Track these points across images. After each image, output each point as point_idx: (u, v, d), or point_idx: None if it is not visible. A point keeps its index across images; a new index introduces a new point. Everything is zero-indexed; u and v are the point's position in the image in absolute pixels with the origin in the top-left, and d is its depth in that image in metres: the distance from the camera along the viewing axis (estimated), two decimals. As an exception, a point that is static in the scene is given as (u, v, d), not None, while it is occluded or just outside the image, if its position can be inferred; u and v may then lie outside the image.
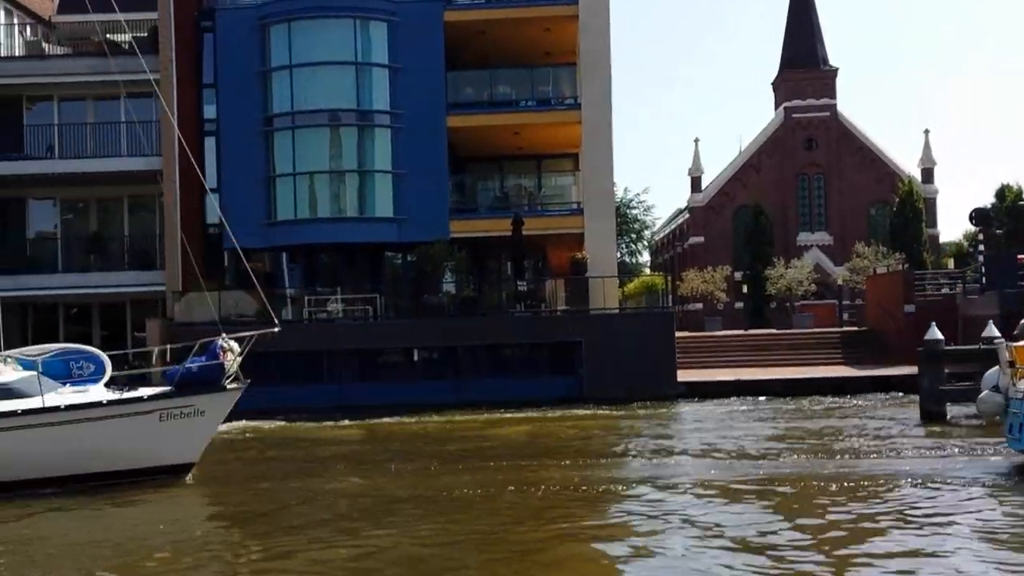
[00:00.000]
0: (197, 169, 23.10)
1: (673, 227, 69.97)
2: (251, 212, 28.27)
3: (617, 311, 28.12)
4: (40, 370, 14.40)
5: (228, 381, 14.57)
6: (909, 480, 12.79)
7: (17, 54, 31.18)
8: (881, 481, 12.75)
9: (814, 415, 21.19)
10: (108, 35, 31.17)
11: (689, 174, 60.46)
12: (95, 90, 29.90)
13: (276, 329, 15.27)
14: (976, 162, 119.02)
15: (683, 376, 26.72)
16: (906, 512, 10.90)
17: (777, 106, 61.66)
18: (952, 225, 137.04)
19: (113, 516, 12.55)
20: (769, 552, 9.30)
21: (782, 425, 19.59)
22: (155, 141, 28.95)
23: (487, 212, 30.00)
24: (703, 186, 60.22)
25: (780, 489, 12.42)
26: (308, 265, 29.97)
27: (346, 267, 29.70)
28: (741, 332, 38.27)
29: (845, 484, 12.54)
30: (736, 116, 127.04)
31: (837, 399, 24.24)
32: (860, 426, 18.91)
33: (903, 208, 45.60)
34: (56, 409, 13.77)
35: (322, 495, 13.28)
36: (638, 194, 66.28)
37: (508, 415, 22.84)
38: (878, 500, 11.65)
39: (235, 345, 14.60)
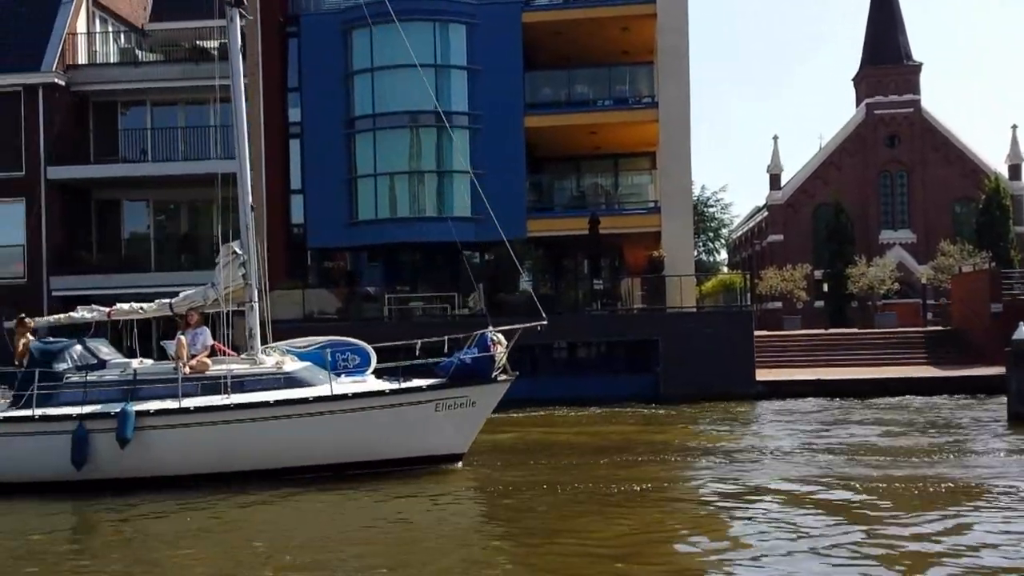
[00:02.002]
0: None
1: (751, 225, 69.16)
2: (334, 212, 29.04)
3: (694, 310, 28.05)
4: (329, 360, 14.95)
5: (498, 373, 14.81)
6: (998, 483, 12.54)
7: (112, 61, 32.46)
8: (969, 484, 12.52)
9: (898, 416, 20.80)
10: (198, 41, 32.33)
11: (768, 172, 59.73)
12: (186, 95, 31.01)
13: (544, 322, 15.70)
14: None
15: (762, 375, 26.52)
16: (996, 517, 10.70)
17: (859, 102, 60.46)
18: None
19: (395, 503, 12.68)
20: (855, 559, 9.20)
21: (864, 426, 19.31)
22: (242, 144, 29.83)
23: (564, 211, 30.20)
24: (782, 184, 59.44)
25: (864, 492, 12.21)
26: (388, 264, 30.58)
27: (425, 266, 30.21)
28: (821, 331, 37.71)
29: (931, 487, 12.35)
30: (816, 113, 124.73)
31: (921, 400, 23.76)
32: (946, 428, 18.53)
33: (989, 205, 44.39)
34: (345, 397, 14.13)
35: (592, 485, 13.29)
36: (716, 192, 65.78)
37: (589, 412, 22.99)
38: (967, 504, 11.44)
39: (503, 338, 14.82)
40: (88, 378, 14.28)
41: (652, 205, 30.03)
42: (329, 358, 15.03)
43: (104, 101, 31.44)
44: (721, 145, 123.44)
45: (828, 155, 58.98)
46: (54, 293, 29.35)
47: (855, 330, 37.61)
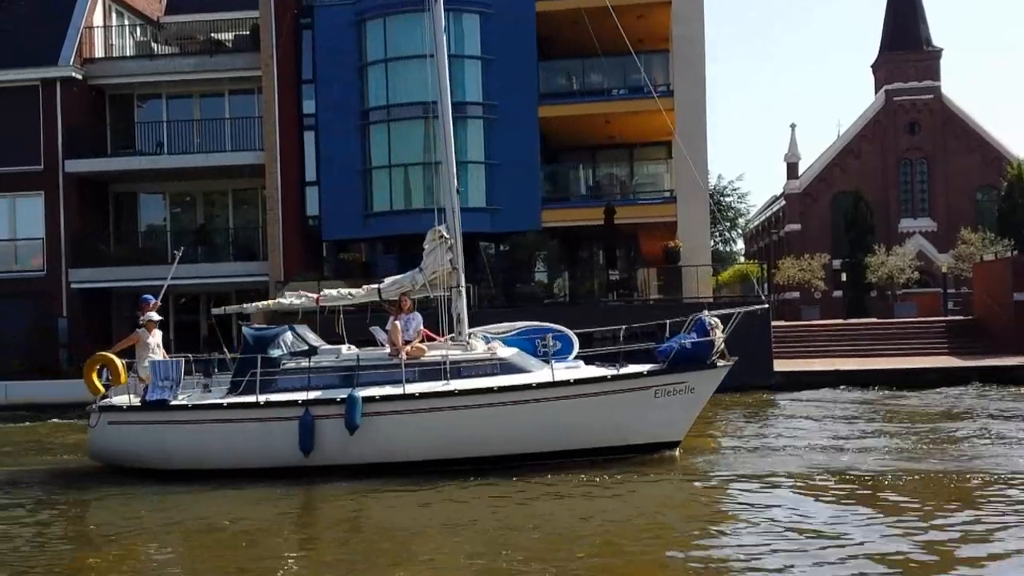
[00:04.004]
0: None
1: (768, 214, 68.73)
2: (348, 204, 29.02)
3: (711, 300, 27.83)
4: (549, 347, 14.89)
5: (716, 359, 14.42)
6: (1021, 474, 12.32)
7: (128, 54, 32.54)
8: (994, 477, 12.26)
9: (918, 407, 20.55)
10: (212, 34, 32.37)
11: (785, 160, 59.33)
12: (201, 87, 31.11)
13: (765, 306, 15.50)
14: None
15: (779, 366, 26.31)
16: (1019, 508, 10.53)
17: (877, 89, 59.91)
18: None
19: (608, 493, 12.36)
20: (878, 556, 9.01)
21: (884, 417, 19.09)
22: (257, 136, 29.91)
23: (579, 201, 30.04)
24: (800, 172, 59.02)
25: (887, 486, 11.97)
26: (403, 255, 30.52)
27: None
28: (840, 321, 37.41)
29: (956, 480, 12.13)
30: (835, 100, 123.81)
31: (942, 390, 23.46)
32: (968, 419, 18.25)
33: (1012, 192, 43.83)
34: (567, 383, 13.84)
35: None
36: (732, 181, 65.38)
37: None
38: (993, 498, 11.23)
39: (719, 322, 14.46)
40: (312, 364, 14.19)
41: (668, 195, 29.83)
42: (549, 345, 14.98)
43: (120, 94, 31.57)
44: (738, 133, 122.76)
45: (846, 143, 58.50)
46: (72, 286, 29.55)
47: (874, 320, 37.27)
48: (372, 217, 29.09)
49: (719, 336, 14.23)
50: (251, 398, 13.84)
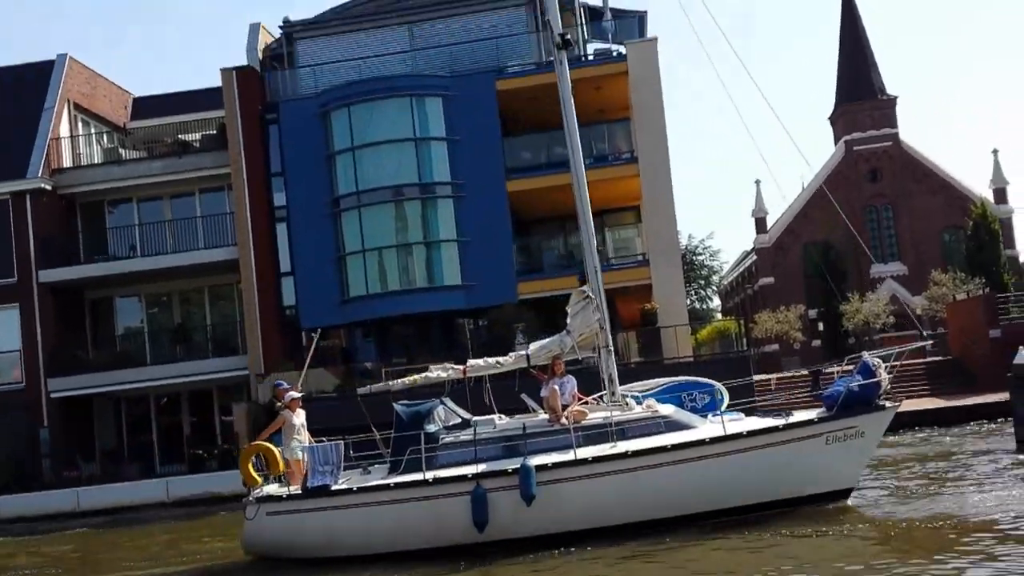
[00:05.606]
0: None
1: (741, 270, 69.44)
2: (325, 291, 29.11)
3: (692, 359, 27.97)
4: (717, 402, 14.81)
5: (883, 400, 14.14)
6: (1012, 514, 12.28)
7: (96, 161, 32.80)
8: (982, 517, 12.21)
9: (905, 450, 20.66)
10: (179, 135, 32.75)
11: (753, 215, 60.19)
12: (171, 188, 31.35)
13: (929, 342, 15.62)
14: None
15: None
16: (1012, 551, 10.48)
17: (837, 140, 61.22)
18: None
19: (793, 548, 11.86)
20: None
21: (871, 462, 19.12)
22: (230, 232, 30.08)
23: (553, 271, 30.27)
24: (768, 226, 59.84)
25: (874, 531, 12.03)
26: (383, 338, 30.54)
27: (419, 337, 30.15)
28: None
29: (945, 523, 12.10)
30: (795, 153, 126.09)
31: (927, 431, 23.61)
32: (954, 459, 18.35)
33: (977, 231, 44.69)
34: (740, 436, 13.48)
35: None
36: (703, 239, 66.14)
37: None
38: (980, 538, 11.19)
39: (881, 362, 14.16)
40: (476, 436, 13.85)
41: (640, 258, 30.15)
42: (718, 399, 15.02)
43: (90, 201, 31.70)
44: (705, 192, 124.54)
45: (811, 195, 59.50)
46: (52, 395, 29.22)
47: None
48: (349, 303, 29.15)
49: (884, 376, 13.98)
50: (417, 476, 13.45)
